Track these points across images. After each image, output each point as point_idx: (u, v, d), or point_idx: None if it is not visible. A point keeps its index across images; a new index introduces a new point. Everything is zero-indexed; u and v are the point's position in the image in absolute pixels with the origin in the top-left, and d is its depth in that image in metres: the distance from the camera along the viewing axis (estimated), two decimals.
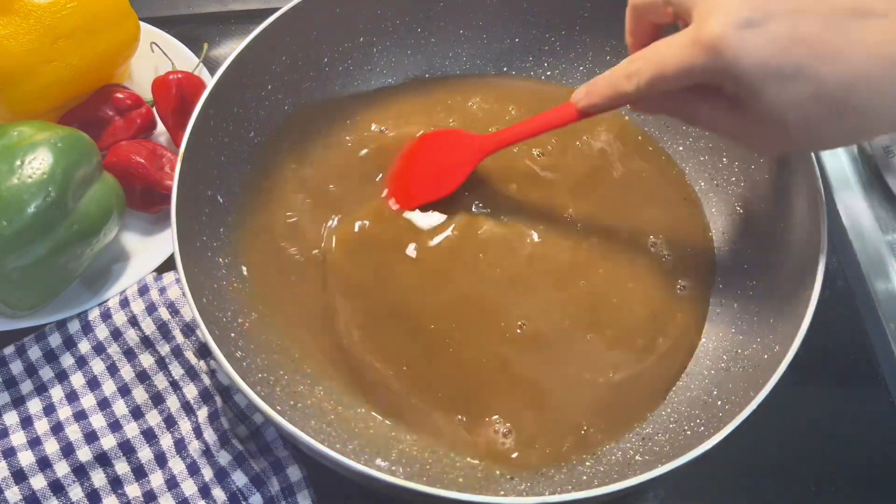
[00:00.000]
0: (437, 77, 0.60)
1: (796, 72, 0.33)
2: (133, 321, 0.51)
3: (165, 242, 0.56)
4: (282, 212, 0.53)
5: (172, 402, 0.50)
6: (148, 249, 0.56)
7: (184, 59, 0.62)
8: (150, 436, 0.49)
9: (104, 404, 0.50)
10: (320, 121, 0.57)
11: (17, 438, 0.48)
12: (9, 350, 0.51)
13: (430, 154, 0.54)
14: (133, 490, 0.48)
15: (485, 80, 0.60)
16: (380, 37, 0.58)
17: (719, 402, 0.45)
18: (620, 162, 0.55)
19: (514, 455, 0.46)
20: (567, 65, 0.59)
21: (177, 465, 0.48)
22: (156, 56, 0.63)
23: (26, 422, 0.49)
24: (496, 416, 0.47)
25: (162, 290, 0.52)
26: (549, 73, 0.60)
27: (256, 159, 0.54)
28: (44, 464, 0.47)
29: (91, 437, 0.48)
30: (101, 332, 0.51)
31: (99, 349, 0.51)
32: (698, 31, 0.34)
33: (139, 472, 0.48)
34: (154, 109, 0.60)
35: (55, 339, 0.51)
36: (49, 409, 0.50)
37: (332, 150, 0.56)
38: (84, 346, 0.51)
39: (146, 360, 0.50)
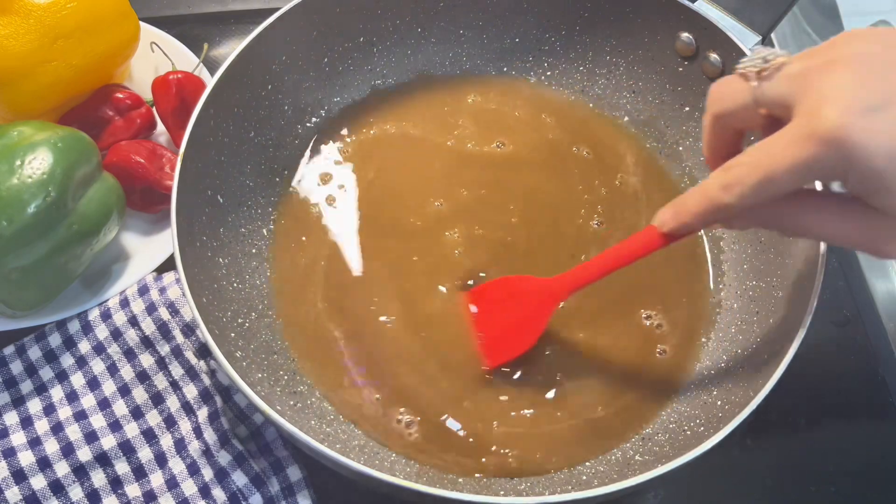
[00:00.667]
0: (436, 77, 0.60)
1: None
2: (133, 321, 0.51)
3: (165, 242, 0.56)
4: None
5: (172, 402, 0.50)
6: (148, 249, 0.56)
7: (184, 59, 0.62)
8: (150, 436, 0.49)
9: (104, 404, 0.50)
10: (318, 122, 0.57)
11: (17, 438, 0.48)
12: (9, 350, 0.51)
13: (500, 305, 0.49)
14: (133, 490, 0.48)
15: (484, 79, 0.60)
16: (380, 37, 0.58)
17: (719, 402, 0.45)
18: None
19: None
20: (567, 65, 0.59)
21: (177, 465, 0.48)
22: (156, 56, 0.63)
23: (26, 422, 0.49)
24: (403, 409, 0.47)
25: (162, 290, 0.52)
26: (549, 72, 0.60)
27: (256, 160, 0.54)
28: (44, 464, 0.47)
29: (91, 437, 0.48)
30: (101, 332, 0.51)
31: (99, 349, 0.51)
32: (811, 123, 0.30)
33: (139, 472, 0.48)
34: (154, 109, 0.60)
35: (55, 339, 0.51)
36: (49, 409, 0.50)
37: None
38: (84, 346, 0.51)
39: (146, 360, 0.50)
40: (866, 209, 0.32)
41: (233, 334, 0.47)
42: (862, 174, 0.30)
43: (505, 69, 0.60)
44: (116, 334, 0.51)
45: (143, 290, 0.52)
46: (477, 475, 0.45)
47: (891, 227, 0.32)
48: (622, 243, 0.42)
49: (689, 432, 0.45)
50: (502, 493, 0.44)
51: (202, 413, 0.48)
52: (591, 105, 0.58)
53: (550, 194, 0.55)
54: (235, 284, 0.50)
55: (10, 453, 0.47)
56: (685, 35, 0.53)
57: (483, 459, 0.45)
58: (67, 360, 0.51)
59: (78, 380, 0.50)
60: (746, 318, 0.49)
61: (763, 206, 0.33)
